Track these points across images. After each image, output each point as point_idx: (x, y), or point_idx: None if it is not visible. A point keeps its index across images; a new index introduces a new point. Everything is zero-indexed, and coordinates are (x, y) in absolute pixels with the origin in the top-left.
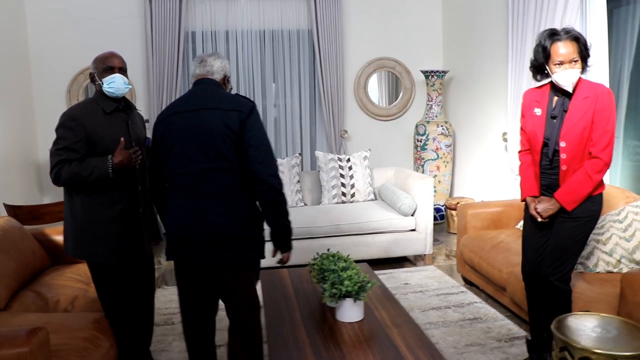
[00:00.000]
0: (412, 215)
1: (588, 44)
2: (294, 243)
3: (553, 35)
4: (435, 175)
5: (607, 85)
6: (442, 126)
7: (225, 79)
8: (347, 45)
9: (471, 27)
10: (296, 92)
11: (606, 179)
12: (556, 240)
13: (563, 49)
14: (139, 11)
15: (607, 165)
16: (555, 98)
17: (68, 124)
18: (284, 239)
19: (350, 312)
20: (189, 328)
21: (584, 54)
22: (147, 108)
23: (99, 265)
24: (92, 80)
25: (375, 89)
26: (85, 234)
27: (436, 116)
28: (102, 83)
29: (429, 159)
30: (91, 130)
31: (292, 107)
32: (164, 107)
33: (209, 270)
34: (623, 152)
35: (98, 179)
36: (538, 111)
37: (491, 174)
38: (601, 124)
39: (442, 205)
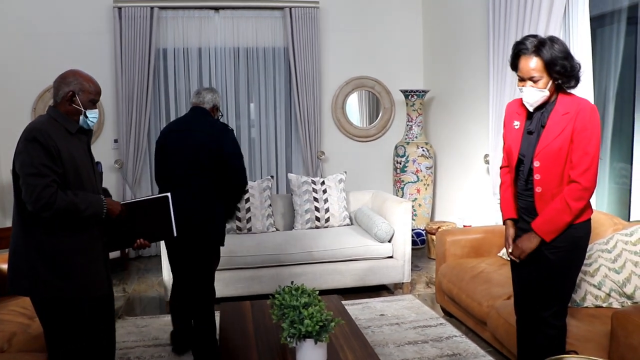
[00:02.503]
0: (389, 241)
1: (560, 58)
2: (263, 271)
3: (519, 44)
4: (416, 199)
5: None
6: (422, 147)
7: (214, 108)
8: (324, 64)
9: (452, 45)
10: (271, 111)
11: (593, 204)
12: (541, 274)
13: (523, 64)
14: (108, 27)
15: (588, 190)
16: (535, 111)
17: (43, 140)
18: (230, 216)
19: (311, 354)
20: (176, 287)
21: (551, 72)
22: (116, 126)
23: (58, 301)
24: (71, 99)
25: (355, 109)
26: (48, 268)
27: (416, 137)
28: (87, 114)
29: (408, 182)
30: (61, 151)
31: (268, 127)
32: (133, 125)
33: (186, 244)
34: (610, 174)
35: (90, 217)
36: (517, 124)
37: (473, 197)
38: (581, 144)
39: (423, 230)
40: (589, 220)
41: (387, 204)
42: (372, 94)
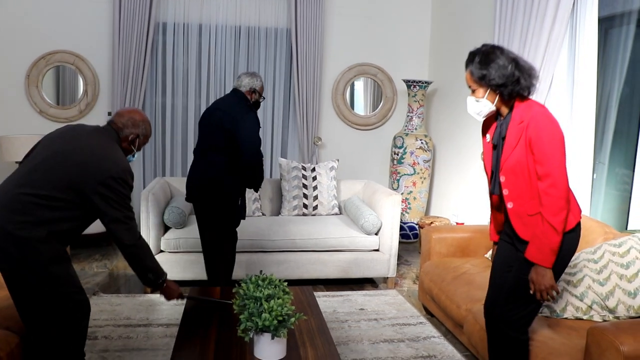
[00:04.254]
0: (375, 234)
1: (488, 68)
2: (244, 256)
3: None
4: (411, 192)
5: (593, 109)
6: (421, 140)
7: (251, 91)
8: (327, 48)
9: (459, 39)
10: (270, 93)
11: (586, 210)
12: (513, 278)
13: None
14: None
15: (562, 198)
16: (499, 122)
17: (132, 183)
18: (256, 185)
19: (268, 349)
20: (204, 241)
21: (483, 83)
22: (111, 99)
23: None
24: (133, 141)
25: (361, 96)
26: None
27: (416, 129)
28: (135, 153)
29: (405, 174)
30: None
31: (265, 109)
32: (127, 98)
33: (200, 204)
34: (608, 180)
35: (149, 279)
36: (488, 137)
37: (470, 194)
38: (541, 154)
39: (416, 224)
40: (573, 230)
41: (377, 196)
42: (375, 82)
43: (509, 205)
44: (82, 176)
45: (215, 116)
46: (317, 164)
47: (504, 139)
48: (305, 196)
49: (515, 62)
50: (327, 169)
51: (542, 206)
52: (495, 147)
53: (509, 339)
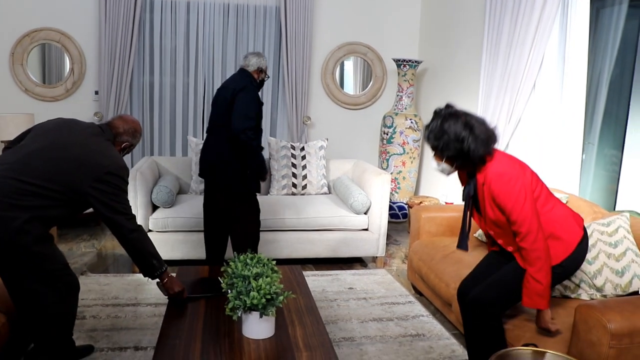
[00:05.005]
0: (365, 213)
1: (440, 140)
2: None
3: None
4: (400, 171)
5: (584, 89)
6: (410, 119)
7: (258, 70)
8: (316, 27)
9: (450, 18)
10: None
11: (575, 190)
12: (506, 268)
13: None
14: None
15: (535, 250)
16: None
17: (127, 179)
18: (254, 173)
19: (256, 327)
20: (207, 225)
21: (434, 150)
22: (97, 77)
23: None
24: (125, 149)
25: (351, 75)
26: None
27: (405, 108)
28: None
29: (394, 153)
30: None
31: None
32: (115, 77)
33: (210, 183)
34: (597, 161)
35: (150, 266)
36: (464, 189)
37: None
38: (507, 212)
39: (405, 204)
40: (568, 258)
41: (366, 175)
42: (365, 61)
43: (509, 248)
44: (79, 172)
45: (221, 94)
46: (306, 143)
47: (472, 197)
48: (294, 175)
49: (470, 129)
50: (316, 148)
51: (524, 261)
52: (467, 202)
53: (481, 321)
